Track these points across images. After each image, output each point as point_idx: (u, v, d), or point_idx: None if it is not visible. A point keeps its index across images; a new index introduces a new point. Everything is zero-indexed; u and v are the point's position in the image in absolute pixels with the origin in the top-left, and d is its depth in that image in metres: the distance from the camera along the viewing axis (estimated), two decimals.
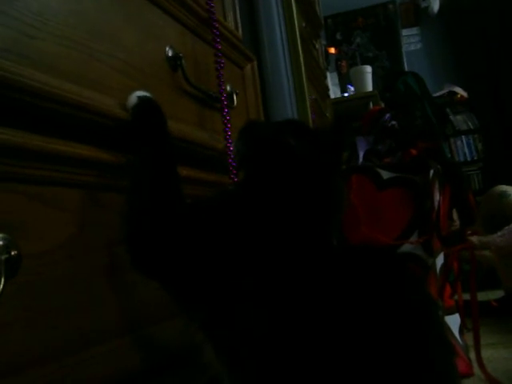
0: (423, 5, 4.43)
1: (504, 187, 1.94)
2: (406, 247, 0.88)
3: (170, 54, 0.78)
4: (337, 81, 3.68)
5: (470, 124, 4.06)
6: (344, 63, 4.03)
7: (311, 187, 0.55)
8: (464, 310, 1.04)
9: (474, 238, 1.51)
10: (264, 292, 0.48)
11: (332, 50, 3.97)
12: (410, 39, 4.59)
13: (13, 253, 0.44)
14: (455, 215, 1.08)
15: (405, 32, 4.59)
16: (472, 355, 1.02)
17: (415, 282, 0.53)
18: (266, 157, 0.57)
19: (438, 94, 3.93)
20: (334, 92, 3.40)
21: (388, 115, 1.09)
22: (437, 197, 0.93)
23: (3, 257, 0.43)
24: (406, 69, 4.41)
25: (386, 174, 0.91)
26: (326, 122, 2.13)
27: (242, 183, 0.63)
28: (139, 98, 0.62)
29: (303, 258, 0.50)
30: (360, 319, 0.45)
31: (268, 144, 0.58)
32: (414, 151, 1.00)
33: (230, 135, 0.86)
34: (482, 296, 1.55)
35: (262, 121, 0.65)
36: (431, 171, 0.92)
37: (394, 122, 1.08)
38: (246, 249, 0.50)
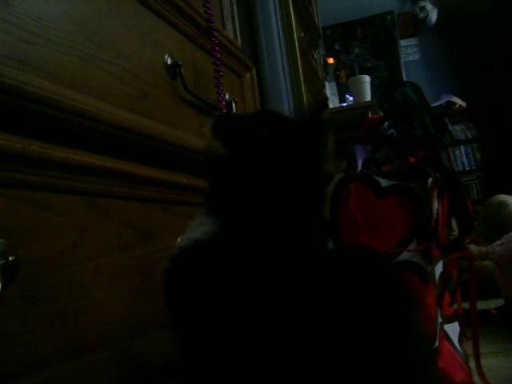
0: (421, 15, 4.47)
1: (503, 197, 1.94)
2: (405, 255, 0.88)
3: (169, 62, 0.78)
4: (335, 90, 3.70)
5: (468, 134, 4.07)
6: (343, 73, 4.05)
7: (286, 179, 0.51)
8: (463, 319, 1.04)
9: (473, 247, 1.50)
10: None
11: (330, 60, 3.99)
12: (408, 50, 4.62)
13: (10, 258, 0.44)
14: (454, 224, 1.08)
15: (403, 42, 4.63)
16: (472, 364, 1.01)
17: (395, 287, 0.49)
18: (237, 148, 0.53)
19: (436, 103, 3.94)
20: (333, 102, 3.42)
21: (386, 123, 1.10)
22: (435, 205, 0.93)
23: (0, 262, 0.43)
24: (405, 79, 4.44)
25: (384, 182, 0.91)
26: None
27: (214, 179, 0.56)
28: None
29: (276, 272, 0.46)
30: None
31: (239, 135, 0.54)
32: (412, 159, 1.00)
33: None
34: (481, 305, 1.55)
35: (233, 113, 0.60)
36: (430, 179, 0.92)
37: (392, 131, 1.08)
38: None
